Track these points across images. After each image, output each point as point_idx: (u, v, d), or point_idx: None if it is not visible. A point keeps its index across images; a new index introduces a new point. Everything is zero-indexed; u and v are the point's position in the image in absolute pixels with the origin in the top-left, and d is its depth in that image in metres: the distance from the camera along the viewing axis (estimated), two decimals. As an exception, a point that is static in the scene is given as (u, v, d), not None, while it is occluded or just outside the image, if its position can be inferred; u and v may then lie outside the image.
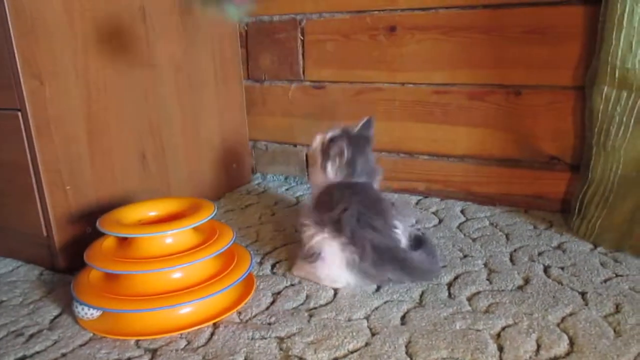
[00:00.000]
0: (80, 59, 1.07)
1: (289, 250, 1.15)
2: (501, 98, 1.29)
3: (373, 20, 1.38)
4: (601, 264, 1.03)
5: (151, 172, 1.27)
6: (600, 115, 1.08)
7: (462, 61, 1.30)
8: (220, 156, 1.50)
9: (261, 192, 1.55)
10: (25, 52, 0.98)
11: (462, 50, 1.29)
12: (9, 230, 1.14)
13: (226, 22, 1.46)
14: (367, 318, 0.89)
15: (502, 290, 0.95)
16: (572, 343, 0.80)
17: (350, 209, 0.95)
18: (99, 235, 0.96)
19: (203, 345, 0.83)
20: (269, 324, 0.88)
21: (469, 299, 0.93)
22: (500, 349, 0.79)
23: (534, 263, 1.04)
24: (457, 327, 0.85)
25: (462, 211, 1.33)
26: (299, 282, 1.01)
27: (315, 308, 0.93)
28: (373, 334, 0.84)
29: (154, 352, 0.82)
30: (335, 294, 0.97)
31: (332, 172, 1.03)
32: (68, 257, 1.08)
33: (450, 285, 0.98)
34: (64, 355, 0.82)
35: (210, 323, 0.89)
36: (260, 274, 1.06)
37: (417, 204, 1.39)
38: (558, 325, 0.84)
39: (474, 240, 1.17)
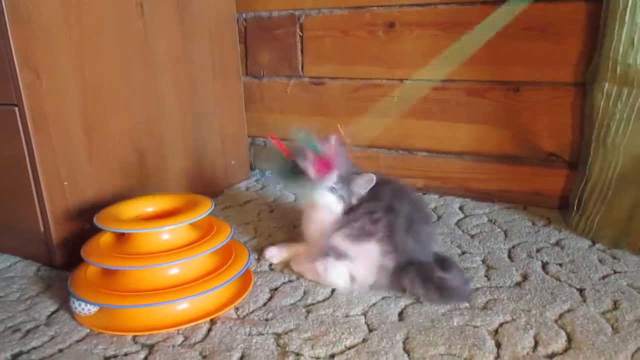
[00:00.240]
0: (77, 53, 1.07)
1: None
2: (500, 95, 1.29)
3: (372, 16, 1.38)
4: (599, 261, 1.03)
5: (149, 168, 1.26)
6: (600, 111, 1.08)
7: (460, 57, 1.30)
8: (218, 152, 1.50)
9: (260, 189, 1.55)
10: (22, 46, 0.97)
11: (461, 46, 1.29)
12: (6, 226, 1.13)
13: (225, 19, 1.46)
14: (364, 314, 0.89)
15: (500, 287, 0.95)
16: (569, 339, 0.80)
17: (400, 217, 0.92)
18: (97, 231, 0.96)
19: (200, 341, 0.83)
20: (267, 320, 0.88)
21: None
22: (498, 345, 0.79)
23: (532, 259, 1.04)
24: (455, 324, 0.85)
25: (460, 208, 1.33)
26: (297, 279, 1.01)
27: (312, 304, 0.93)
28: (370, 330, 0.84)
29: (150, 347, 0.82)
30: (333, 290, 0.96)
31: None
32: (65, 253, 1.08)
33: (448, 281, 0.98)
34: (60, 350, 0.82)
35: (208, 319, 0.89)
36: (258, 270, 1.06)
37: (415, 200, 1.39)
38: (556, 321, 0.84)
39: (472, 236, 1.16)
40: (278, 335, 0.84)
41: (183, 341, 0.84)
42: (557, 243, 1.11)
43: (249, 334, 0.84)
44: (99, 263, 0.89)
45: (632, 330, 0.81)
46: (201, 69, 1.40)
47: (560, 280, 0.96)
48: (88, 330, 0.87)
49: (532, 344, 0.79)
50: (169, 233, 0.92)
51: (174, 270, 0.90)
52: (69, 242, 1.08)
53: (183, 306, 0.89)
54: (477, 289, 0.95)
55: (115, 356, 0.81)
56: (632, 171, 1.05)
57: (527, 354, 0.77)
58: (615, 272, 0.98)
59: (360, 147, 1.48)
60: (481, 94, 1.31)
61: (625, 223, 1.07)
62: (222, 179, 1.53)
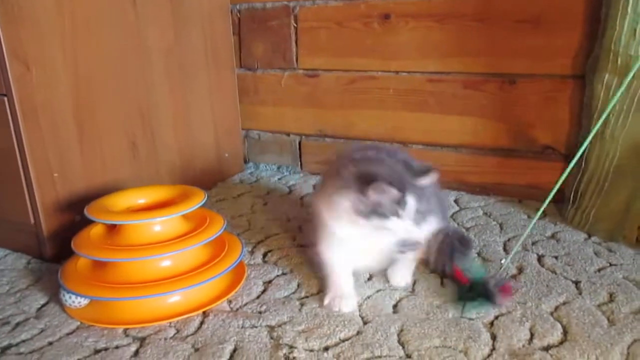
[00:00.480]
0: (68, 44, 1.05)
1: (280, 240, 1.14)
2: (496, 87, 1.28)
3: (367, 8, 1.36)
4: (595, 254, 1.02)
5: (141, 160, 1.25)
6: (600, 103, 1.07)
7: (456, 49, 1.29)
8: (212, 145, 1.48)
9: (253, 182, 1.54)
10: (11, 37, 0.95)
11: (456, 38, 1.28)
12: (-4, 219, 1.12)
13: (218, 10, 1.44)
14: (359, 306, 0.88)
15: (496, 279, 0.94)
16: (565, 332, 0.79)
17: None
18: (88, 223, 0.94)
19: (192, 334, 0.82)
20: (260, 312, 0.87)
21: (462, 288, 0.92)
22: (494, 337, 0.78)
23: (528, 252, 1.04)
24: (450, 316, 0.84)
25: (455, 201, 1.32)
26: (291, 271, 1.00)
27: (306, 297, 0.92)
28: (365, 323, 0.83)
29: (142, 340, 0.81)
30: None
31: None
32: (56, 245, 1.06)
33: (443, 274, 0.97)
34: (50, 343, 0.81)
35: (200, 312, 0.88)
36: (252, 262, 1.05)
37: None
38: (552, 314, 0.84)
39: (467, 229, 1.16)
40: (271, 328, 0.83)
41: (175, 334, 0.82)
42: (552, 236, 1.11)
43: (242, 327, 0.83)
44: (90, 255, 0.88)
45: (627, 322, 0.80)
46: (194, 60, 1.39)
47: (555, 273, 0.96)
48: (78, 323, 0.86)
49: (528, 336, 0.78)
50: (160, 225, 0.90)
51: (166, 263, 0.89)
52: (59, 234, 1.06)
53: (175, 299, 0.88)
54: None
55: (106, 349, 0.80)
56: (629, 163, 1.04)
57: (523, 346, 0.76)
58: (610, 264, 0.98)
59: (355, 140, 1.47)
60: (477, 86, 1.30)
61: (621, 216, 1.06)
62: (216, 171, 1.52)
